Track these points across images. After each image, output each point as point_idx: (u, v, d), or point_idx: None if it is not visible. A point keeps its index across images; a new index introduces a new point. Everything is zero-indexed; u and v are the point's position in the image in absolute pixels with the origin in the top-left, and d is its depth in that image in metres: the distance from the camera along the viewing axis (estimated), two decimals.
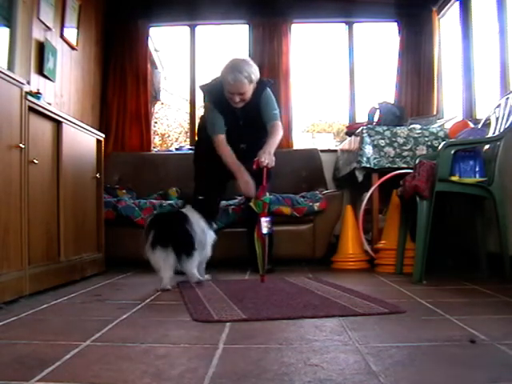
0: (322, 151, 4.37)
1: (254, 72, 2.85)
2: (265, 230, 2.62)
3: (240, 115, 2.96)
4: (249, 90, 2.86)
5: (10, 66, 2.91)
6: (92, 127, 3.10)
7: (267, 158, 2.74)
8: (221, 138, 2.95)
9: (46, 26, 3.37)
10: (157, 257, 2.40)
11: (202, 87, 3.07)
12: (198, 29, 4.76)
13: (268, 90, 2.99)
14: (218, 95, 2.93)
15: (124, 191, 3.86)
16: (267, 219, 2.64)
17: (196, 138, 3.43)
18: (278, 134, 2.94)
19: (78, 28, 3.89)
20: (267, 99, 2.97)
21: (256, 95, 2.93)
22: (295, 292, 2.29)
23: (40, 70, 3.31)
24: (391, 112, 3.70)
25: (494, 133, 2.78)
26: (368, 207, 3.46)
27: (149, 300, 2.14)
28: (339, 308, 1.87)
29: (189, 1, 4.57)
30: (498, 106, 2.81)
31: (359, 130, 3.50)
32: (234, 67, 2.81)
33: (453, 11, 4.16)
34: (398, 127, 3.46)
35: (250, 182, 2.82)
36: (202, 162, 3.17)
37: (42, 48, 3.31)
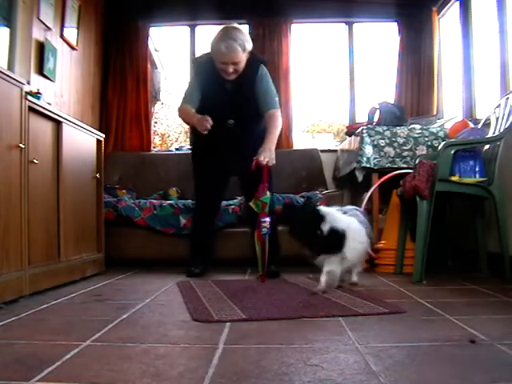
0: (322, 151, 4.37)
1: (248, 40, 2.70)
2: (264, 230, 2.62)
3: (230, 89, 2.79)
4: (243, 59, 2.69)
5: (10, 66, 2.91)
6: (92, 127, 3.10)
7: (267, 155, 2.62)
8: (185, 106, 2.83)
9: (46, 26, 3.37)
10: None
11: (193, 60, 2.96)
12: (198, 29, 4.76)
13: (264, 67, 2.83)
14: (207, 68, 2.78)
15: (124, 191, 3.86)
16: (266, 219, 2.62)
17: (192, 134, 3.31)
18: (278, 127, 2.78)
19: (78, 28, 3.90)
20: (266, 81, 2.82)
21: (250, 69, 2.76)
22: (295, 292, 2.29)
23: (40, 70, 3.31)
24: (391, 112, 3.70)
25: (494, 133, 2.78)
26: (368, 207, 3.46)
27: (149, 300, 2.14)
28: (339, 308, 1.87)
29: (189, 1, 4.57)
30: (498, 105, 2.81)
31: (359, 130, 3.50)
32: (227, 35, 2.64)
33: (453, 11, 4.16)
34: (397, 127, 3.46)
35: (203, 118, 2.67)
36: (200, 159, 3.04)
37: (42, 48, 3.31)
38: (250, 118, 2.83)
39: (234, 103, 2.80)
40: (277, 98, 2.87)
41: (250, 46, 2.73)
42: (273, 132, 2.75)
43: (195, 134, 3.04)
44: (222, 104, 2.80)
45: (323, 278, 2.27)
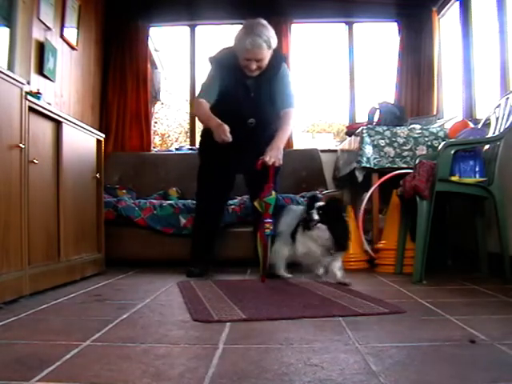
0: (322, 151, 4.37)
1: (273, 36, 2.61)
2: (266, 232, 2.60)
3: (251, 86, 2.72)
4: (267, 56, 2.61)
5: (10, 66, 2.91)
6: (92, 127, 3.10)
7: (274, 155, 2.57)
8: (203, 102, 2.70)
9: (46, 26, 3.37)
10: None
11: (211, 58, 2.82)
12: (198, 29, 4.77)
13: (285, 65, 2.79)
14: (228, 64, 2.69)
15: (124, 191, 3.86)
16: (269, 220, 2.59)
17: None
18: (290, 125, 2.73)
19: (78, 28, 3.90)
20: (286, 79, 2.75)
21: (272, 67, 2.69)
22: (295, 292, 2.29)
23: (40, 70, 3.31)
24: (391, 112, 3.70)
25: (494, 133, 2.78)
26: (368, 207, 3.46)
27: (149, 300, 2.14)
28: (339, 308, 1.87)
29: (189, 1, 4.57)
30: (498, 105, 2.81)
31: (359, 130, 3.50)
32: (252, 30, 2.55)
33: (453, 11, 4.16)
34: (397, 127, 3.46)
35: (222, 127, 2.56)
36: (208, 153, 2.93)
37: (42, 48, 3.31)
38: (270, 117, 2.75)
39: (254, 101, 2.73)
40: (295, 98, 2.82)
41: (275, 42, 2.64)
42: (284, 130, 2.70)
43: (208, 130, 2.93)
44: (243, 101, 2.72)
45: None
